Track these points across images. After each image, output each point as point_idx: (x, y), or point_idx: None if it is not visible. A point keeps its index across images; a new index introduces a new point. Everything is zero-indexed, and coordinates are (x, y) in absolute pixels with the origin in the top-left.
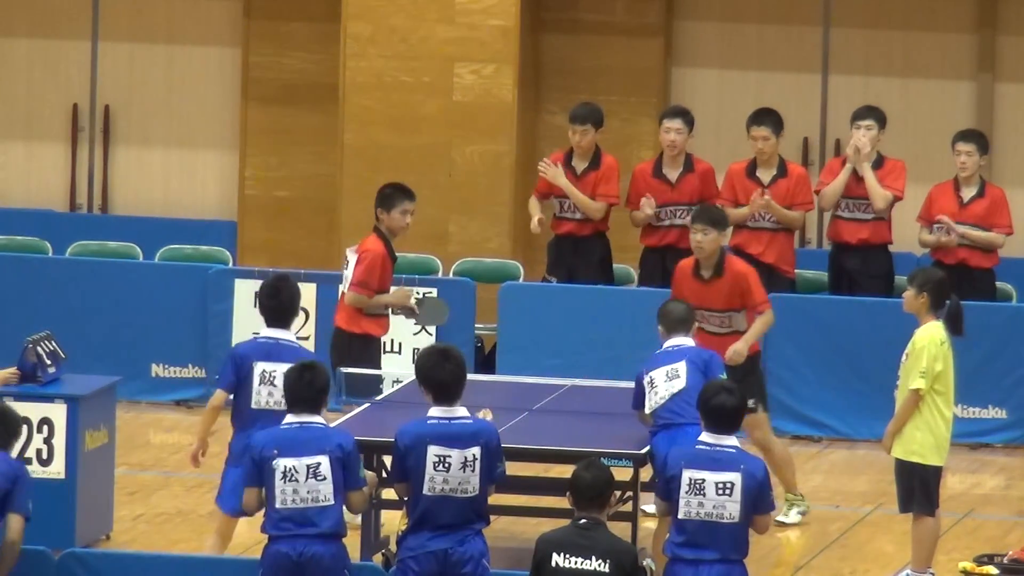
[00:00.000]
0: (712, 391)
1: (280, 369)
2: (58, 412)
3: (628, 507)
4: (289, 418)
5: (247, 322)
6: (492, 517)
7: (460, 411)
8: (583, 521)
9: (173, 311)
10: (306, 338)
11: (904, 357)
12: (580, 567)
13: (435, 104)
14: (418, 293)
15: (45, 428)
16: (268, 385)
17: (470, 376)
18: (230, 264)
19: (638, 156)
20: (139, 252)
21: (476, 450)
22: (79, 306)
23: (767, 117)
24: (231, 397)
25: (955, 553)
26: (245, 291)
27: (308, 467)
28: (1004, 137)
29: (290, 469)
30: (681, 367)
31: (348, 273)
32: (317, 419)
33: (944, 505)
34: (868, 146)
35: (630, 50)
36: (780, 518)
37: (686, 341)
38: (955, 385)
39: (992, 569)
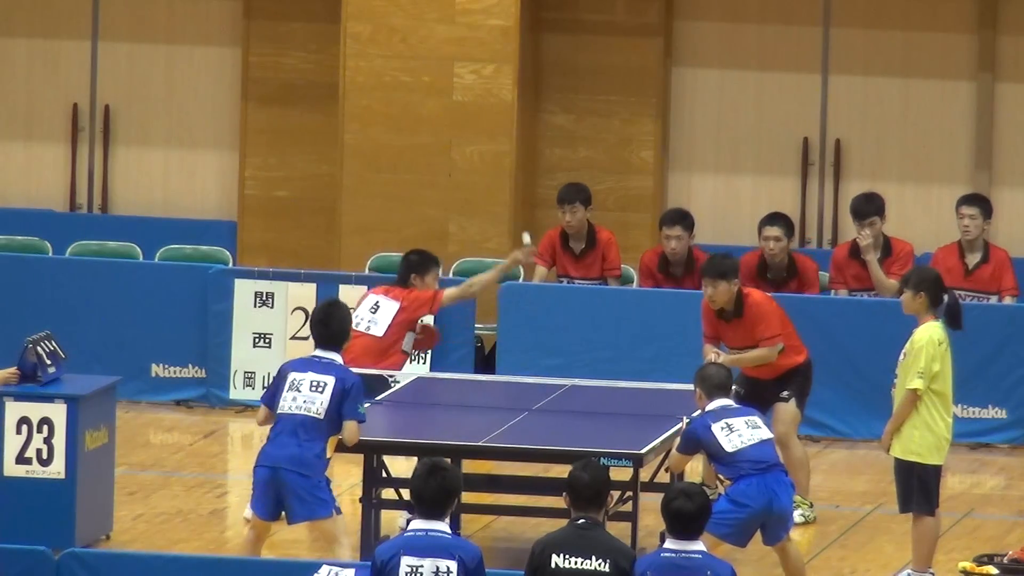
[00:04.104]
0: (672, 494)
1: (308, 378)
2: (58, 412)
3: (628, 507)
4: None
5: (247, 322)
6: (492, 517)
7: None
8: (581, 521)
9: (173, 311)
10: (305, 338)
11: (902, 356)
12: (580, 567)
13: (435, 104)
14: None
15: (45, 428)
16: (294, 391)
17: (471, 376)
18: (230, 264)
19: (638, 156)
20: (139, 252)
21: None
22: (79, 306)
23: (780, 219)
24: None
25: (955, 553)
26: (245, 291)
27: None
28: (1004, 137)
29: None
30: (760, 422)
31: (377, 317)
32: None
33: (944, 505)
34: (873, 239)
35: (630, 50)
36: None
37: (730, 402)
38: (955, 385)
39: (992, 569)
